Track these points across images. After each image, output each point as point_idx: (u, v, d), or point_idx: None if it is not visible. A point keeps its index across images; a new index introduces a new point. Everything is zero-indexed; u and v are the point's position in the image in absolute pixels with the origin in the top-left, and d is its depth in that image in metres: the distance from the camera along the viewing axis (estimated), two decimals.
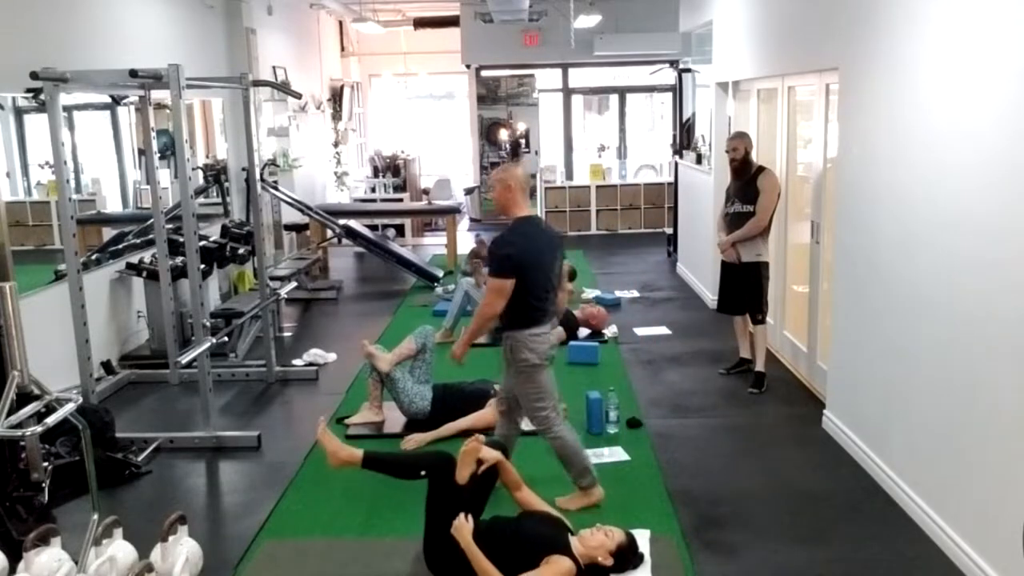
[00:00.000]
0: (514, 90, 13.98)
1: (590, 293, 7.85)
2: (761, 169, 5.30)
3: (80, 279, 4.73)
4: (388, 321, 7.25)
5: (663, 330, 6.78)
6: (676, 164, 9.50)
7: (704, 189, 7.67)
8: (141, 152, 6.53)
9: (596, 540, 3.16)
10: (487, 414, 4.68)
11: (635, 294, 8.06)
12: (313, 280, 8.70)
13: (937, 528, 3.48)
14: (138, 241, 6.47)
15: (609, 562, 3.14)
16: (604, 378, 5.48)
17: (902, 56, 3.77)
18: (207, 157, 8.09)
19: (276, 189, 8.50)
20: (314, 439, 4.48)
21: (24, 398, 3.12)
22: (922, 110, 3.58)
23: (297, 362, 6.15)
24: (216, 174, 7.78)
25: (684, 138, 9.20)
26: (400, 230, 11.39)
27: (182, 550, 3.17)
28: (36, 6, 5.31)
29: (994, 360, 3.07)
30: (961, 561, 3.30)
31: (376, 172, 12.18)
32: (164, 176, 6.87)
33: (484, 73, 13.01)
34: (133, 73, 4.57)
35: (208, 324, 4.82)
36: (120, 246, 6.39)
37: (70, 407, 3.18)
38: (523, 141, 13.68)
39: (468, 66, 12.40)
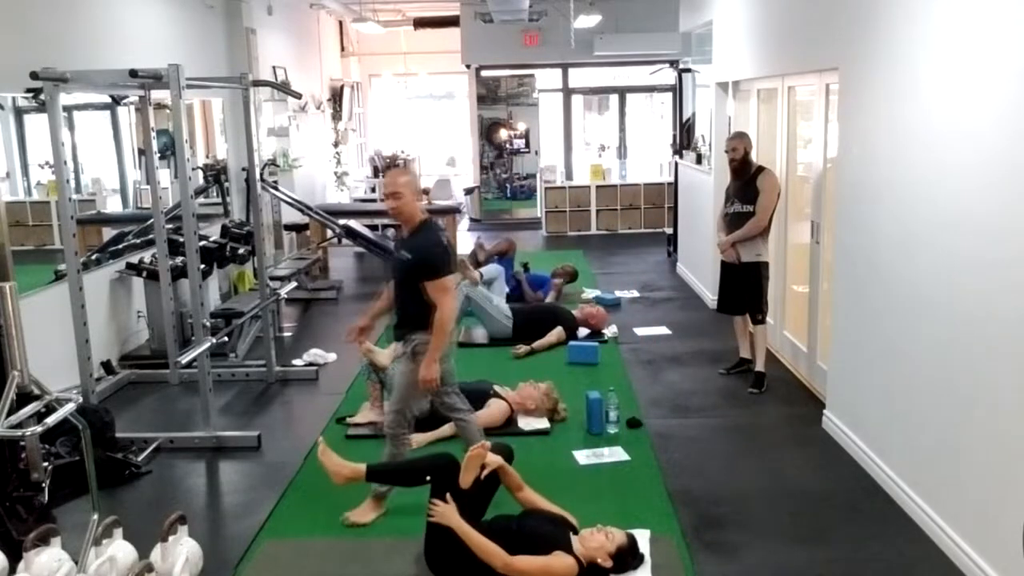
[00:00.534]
0: (514, 90, 13.98)
1: (590, 293, 7.85)
2: (761, 169, 5.30)
3: (80, 279, 4.73)
4: (388, 321, 7.23)
5: (663, 330, 6.78)
6: (676, 164, 9.50)
7: (704, 189, 7.67)
8: (141, 152, 6.53)
9: (596, 541, 3.16)
10: (487, 414, 4.69)
11: (635, 294, 8.05)
12: (313, 280, 8.70)
13: (937, 528, 3.48)
14: (138, 241, 6.47)
15: (609, 564, 3.14)
16: (604, 378, 5.48)
17: (902, 56, 3.77)
18: (207, 157, 8.09)
19: (276, 189, 8.49)
20: (314, 439, 4.49)
21: (24, 398, 3.12)
22: (922, 110, 3.58)
23: (297, 362, 6.16)
24: (216, 174, 7.78)
25: (684, 138, 9.20)
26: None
27: (182, 550, 3.16)
28: (36, 6, 5.31)
29: (994, 360, 3.07)
30: (961, 561, 3.30)
31: (376, 172, 12.17)
32: (164, 176, 6.87)
33: (484, 73, 13.00)
34: (133, 73, 4.57)
35: (208, 324, 4.81)
36: (120, 246, 6.39)
37: (70, 407, 3.18)
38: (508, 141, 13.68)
39: (468, 66, 12.39)
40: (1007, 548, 2.92)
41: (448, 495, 3.18)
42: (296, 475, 4.28)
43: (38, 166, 5.62)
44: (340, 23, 12.97)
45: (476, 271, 6.80)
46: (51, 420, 3.10)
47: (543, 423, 4.79)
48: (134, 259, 6.16)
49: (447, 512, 3.13)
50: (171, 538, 3.14)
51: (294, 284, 6.72)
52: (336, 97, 12.26)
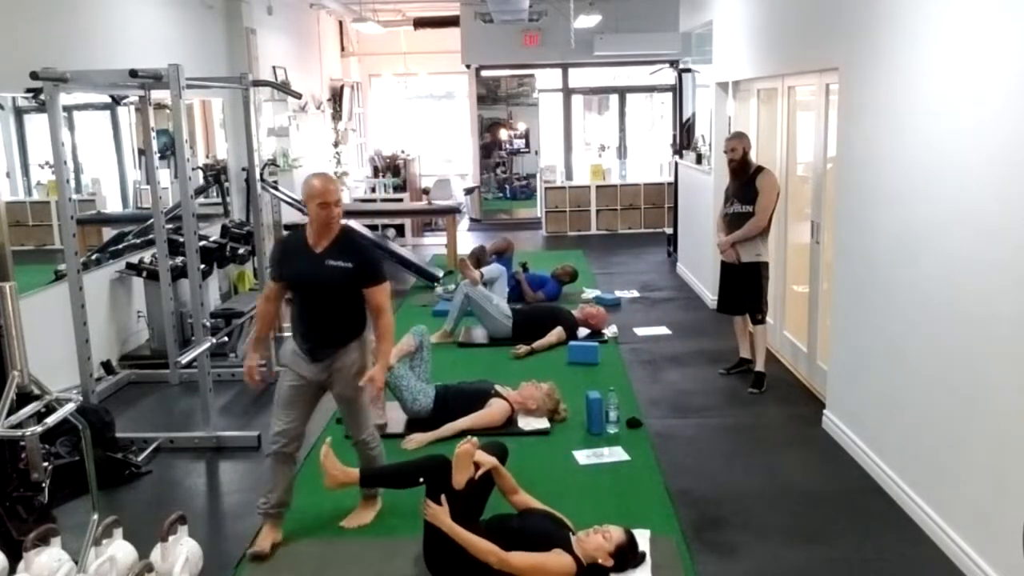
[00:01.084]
0: (514, 90, 13.99)
1: (590, 293, 7.85)
2: (760, 169, 5.30)
3: (80, 279, 4.73)
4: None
5: (663, 330, 6.78)
6: (676, 164, 9.50)
7: (704, 189, 7.67)
8: (141, 152, 6.53)
9: (595, 542, 3.17)
10: (488, 414, 4.69)
11: (635, 294, 8.05)
12: None
13: (937, 528, 3.48)
14: (138, 241, 6.47)
15: (610, 563, 3.14)
16: (604, 378, 5.48)
17: (902, 56, 3.77)
18: (207, 157, 8.09)
19: (276, 189, 8.49)
20: (315, 439, 4.49)
21: (24, 398, 3.12)
22: (922, 110, 3.58)
23: None
24: (216, 174, 7.77)
25: (684, 138, 9.20)
26: (400, 230, 11.39)
27: (182, 550, 3.16)
28: (36, 6, 5.31)
29: (994, 360, 3.07)
30: (961, 561, 3.30)
31: (376, 172, 12.18)
32: (164, 176, 6.87)
33: (484, 73, 13.01)
34: (133, 73, 4.57)
35: (208, 324, 4.82)
36: (120, 246, 6.39)
37: (70, 407, 3.18)
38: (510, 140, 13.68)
39: (468, 66, 12.40)
40: (1007, 548, 2.92)
41: (443, 496, 3.18)
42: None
43: (38, 166, 5.62)
44: (340, 23, 12.97)
45: (476, 271, 6.81)
46: (51, 420, 3.10)
47: (543, 423, 4.79)
48: (134, 259, 6.17)
49: (438, 513, 3.13)
50: (171, 538, 3.14)
51: None
52: (336, 97, 12.25)
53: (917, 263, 3.64)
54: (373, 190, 11.99)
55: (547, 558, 3.08)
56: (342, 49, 13.27)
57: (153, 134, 5.17)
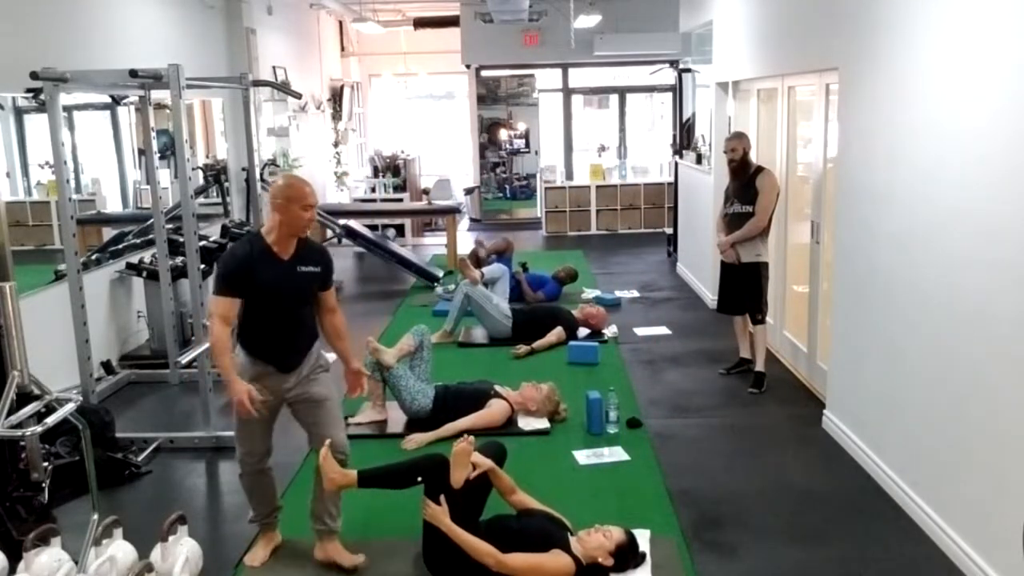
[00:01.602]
0: (514, 90, 13.99)
1: (590, 293, 7.85)
2: (760, 169, 5.30)
3: (80, 279, 4.73)
4: (388, 321, 7.25)
5: (663, 330, 6.78)
6: (676, 164, 9.50)
7: (704, 189, 7.67)
8: (141, 152, 6.53)
9: (595, 541, 3.17)
10: (488, 414, 4.69)
11: (635, 294, 8.05)
12: None
13: (937, 528, 3.48)
14: (138, 241, 6.47)
15: (610, 562, 3.14)
16: (604, 378, 5.48)
17: (902, 56, 3.77)
18: (207, 157, 8.09)
19: None
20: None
21: (24, 398, 3.13)
22: (922, 110, 3.58)
23: None
24: (216, 174, 7.77)
25: (684, 138, 9.21)
26: (400, 230, 11.39)
27: (182, 550, 3.17)
28: (36, 6, 5.31)
29: (994, 360, 3.07)
30: (961, 561, 3.30)
31: (376, 172, 12.18)
32: (164, 176, 6.87)
33: (484, 73, 13.01)
34: (133, 73, 4.57)
35: (208, 324, 4.80)
36: (120, 246, 6.39)
37: (70, 407, 3.19)
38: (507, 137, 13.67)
39: (468, 66, 12.40)
40: (1007, 548, 2.92)
41: (442, 496, 3.17)
42: (296, 475, 4.28)
43: (38, 166, 5.61)
44: (340, 23, 12.97)
45: (477, 271, 6.80)
46: (51, 420, 3.10)
47: (543, 423, 4.78)
48: (134, 259, 6.17)
49: (437, 513, 3.13)
50: (171, 538, 3.14)
51: None
52: (336, 97, 12.25)
53: (917, 263, 3.64)
54: (373, 190, 11.99)
55: (545, 559, 3.08)
56: (342, 49, 13.27)
57: (153, 134, 5.17)
